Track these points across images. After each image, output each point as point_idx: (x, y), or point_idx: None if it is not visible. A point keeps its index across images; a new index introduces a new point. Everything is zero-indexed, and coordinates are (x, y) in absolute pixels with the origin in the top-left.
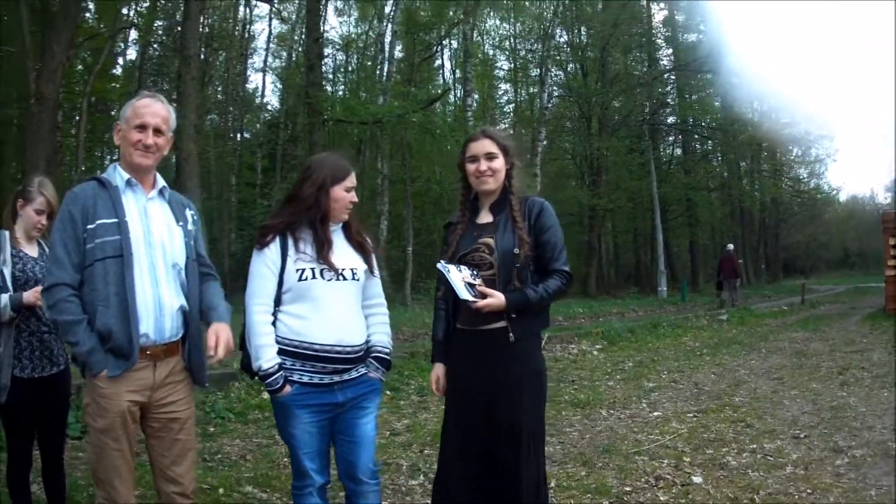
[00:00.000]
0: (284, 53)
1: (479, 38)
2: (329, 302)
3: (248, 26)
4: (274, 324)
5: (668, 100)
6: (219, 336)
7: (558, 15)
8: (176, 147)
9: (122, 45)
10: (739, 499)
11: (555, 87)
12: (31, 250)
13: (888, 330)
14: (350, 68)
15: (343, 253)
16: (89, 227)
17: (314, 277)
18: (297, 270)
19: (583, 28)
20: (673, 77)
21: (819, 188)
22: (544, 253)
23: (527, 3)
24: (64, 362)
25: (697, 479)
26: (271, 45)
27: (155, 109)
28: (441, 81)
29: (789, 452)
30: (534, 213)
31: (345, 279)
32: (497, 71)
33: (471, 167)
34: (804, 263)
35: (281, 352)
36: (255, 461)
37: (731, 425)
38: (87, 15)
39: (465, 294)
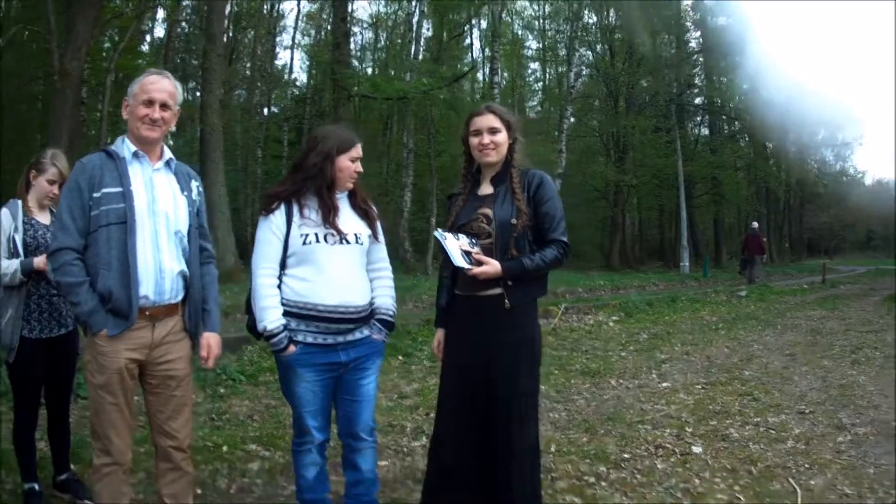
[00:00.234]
0: (313, 32)
1: (507, 17)
2: (332, 264)
3: (277, 5)
4: (280, 287)
5: (696, 81)
6: (210, 348)
7: None
8: (201, 121)
9: (149, 23)
10: (737, 470)
11: (583, 67)
12: (44, 218)
13: None
14: (379, 45)
15: (348, 219)
16: (95, 195)
17: (318, 241)
18: (302, 235)
19: (611, 10)
20: (701, 59)
21: (845, 171)
22: (542, 223)
23: None
24: (72, 324)
25: (697, 449)
26: (300, 23)
27: (161, 85)
28: (469, 59)
29: (792, 427)
30: (533, 185)
31: (348, 243)
32: (525, 50)
33: (474, 140)
34: (828, 244)
35: (286, 314)
36: (261, 421)
37: (738, 398)
38: None
39: (459, 261)
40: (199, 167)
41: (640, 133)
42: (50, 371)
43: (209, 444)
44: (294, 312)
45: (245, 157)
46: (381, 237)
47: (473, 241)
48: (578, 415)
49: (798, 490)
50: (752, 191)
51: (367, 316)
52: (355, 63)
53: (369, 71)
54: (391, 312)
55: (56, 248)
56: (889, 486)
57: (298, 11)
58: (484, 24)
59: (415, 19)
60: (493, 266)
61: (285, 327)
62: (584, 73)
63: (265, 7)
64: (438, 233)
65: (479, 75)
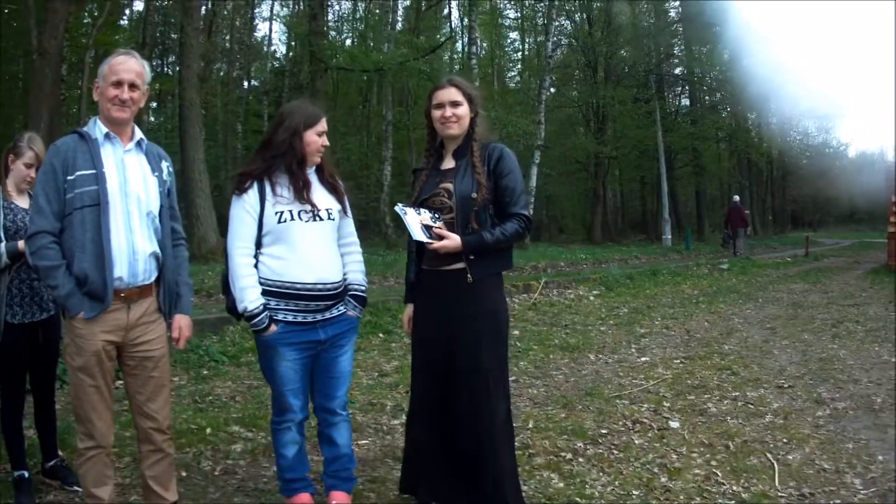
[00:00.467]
0: (291, 2)
1: None
2: (307, 242)
3: None
4: (256, 266)
5: (675, 51)
6: (181, 330)
7: None
8: (179, 96)
9: None
10: (714, 444)
11: (561, 37)
12: (22, 202)
13: (888, 286)
14: (357, 16)
15: (319, 194)
16: (69, 177)
17: (293, 219)
18: (276, 213)
19: None
20: (680, 29)
21: (827, 143)
22: (503, 197)
23: None
24: (54, 308)
25: (675, 424)
26: None
27: (129, 66)
28: (448, 30)
29: (771, 402)
30: (493, 158)
31: (321, 219)
32: (504, 20)
33: (436, 113)
34: (811, 217)
35: (265, 293)
36: (244, 402)
37: (717, 373)
38: None
39: (419, 236)
40: (179, 143)
41: (620, 104)
42: (34, 356)
43: (193, 427)
44: (273, 291)
45: (225, 132)
46: (349, 211)
47: (436, 215)
48: (557, 390)
49: (775, 465)
50: (734, 162)
51: (342, 292)
52: (333, 34)
53: (348, 42)
54: (363, 288)
55: (33, 232)
56: (867, 460)
57: None
58: None
59: None
60: (452, 240)
61: (265, 307)
62: (562, 42)
63: None
64: (399, 207)
65: (458, 45)
